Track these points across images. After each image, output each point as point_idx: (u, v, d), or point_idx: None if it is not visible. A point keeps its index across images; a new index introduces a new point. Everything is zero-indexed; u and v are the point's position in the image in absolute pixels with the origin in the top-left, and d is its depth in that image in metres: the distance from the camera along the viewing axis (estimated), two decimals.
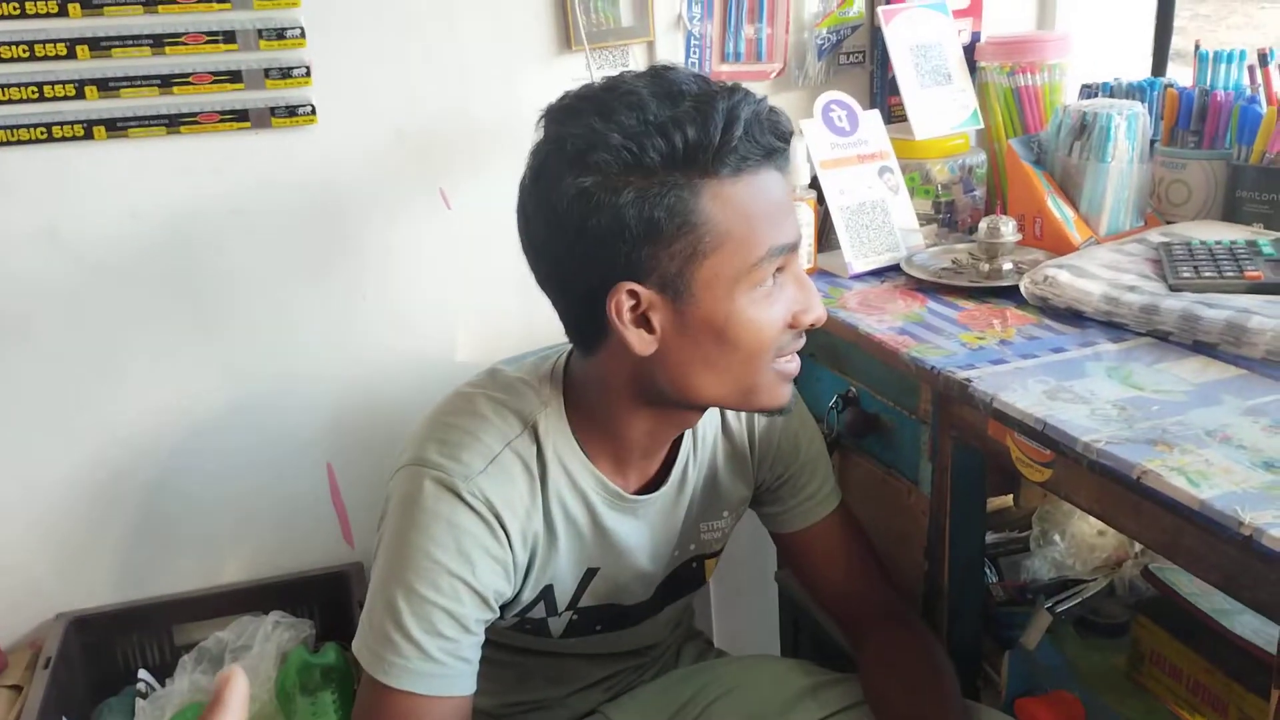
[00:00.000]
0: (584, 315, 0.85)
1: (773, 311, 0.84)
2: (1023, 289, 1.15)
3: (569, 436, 0.92)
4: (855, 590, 1.09)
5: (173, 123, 1.25)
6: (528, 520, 0.90)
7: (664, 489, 0.98)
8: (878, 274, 1.33)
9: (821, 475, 1.09)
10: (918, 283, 1.27)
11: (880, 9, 1.44)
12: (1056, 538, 1.34)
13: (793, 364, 0.89)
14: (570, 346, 0.92)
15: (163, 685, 1.31)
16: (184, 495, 1.40)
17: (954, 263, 1.31)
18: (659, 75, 0.81)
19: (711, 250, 0.80)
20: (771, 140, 0.81)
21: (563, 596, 0.97)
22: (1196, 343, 1.01)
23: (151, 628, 1.39)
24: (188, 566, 1.43)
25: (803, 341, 0.89)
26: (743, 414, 1.04)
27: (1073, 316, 1.11)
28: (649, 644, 1.12)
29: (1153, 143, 1.33)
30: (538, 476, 0.90)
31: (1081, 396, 0.92)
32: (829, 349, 1.28)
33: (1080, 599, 1.26)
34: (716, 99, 0.78)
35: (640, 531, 0.98)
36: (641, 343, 0.83)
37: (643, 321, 0.82)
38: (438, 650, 0.85)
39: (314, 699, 1.25)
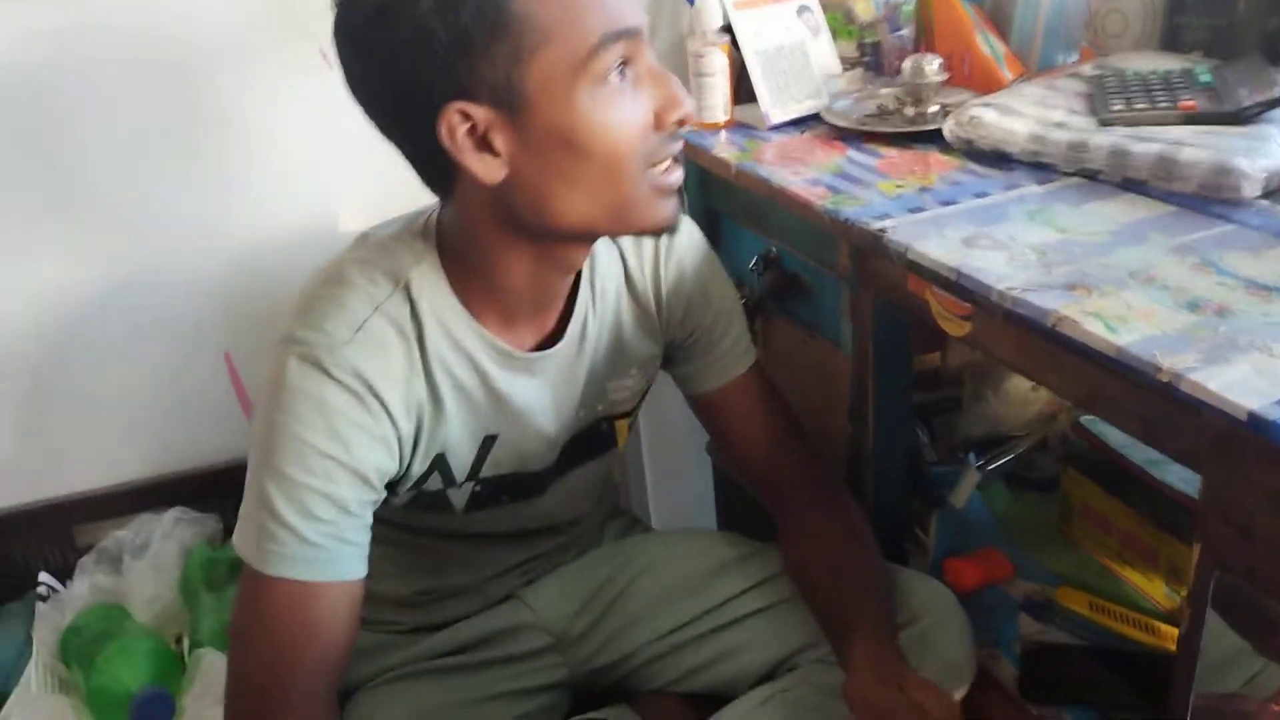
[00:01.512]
0: (425, 153, 0.76)
1: (625, 111, 0.74)
2: (946, 131, 1.07)
3: (447, 293, 0.84)
4: (773, 455, 1.04)
5: None
6: (408, 388, 0.83)
7: (561, 344, 0.90)
8: (797, 124, 1.24)
9: (736, 331, 1.02)
10: (839, 131, 1.19)
11: None
12: (989, 394, 1.30)
13: (671, 175, 0.79)
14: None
15: (65, 587, 1.25)
16: (71, 392, 1.32)
17: (879, 108, 1.22)
18: None
19: (536, 48, 0.71)
20: None
21: (460, 467, 0.91)
22: (1126, 180, 0.94)
23: (49, 529, 1.32)
24: (85, 465, 1.35)
25: (678, 145, 0.79)
26: (646, 266, 0.96)
27: (999, 159, 1.04)
28: (566, 520, 1.07)
29: None
30: (414, 339, 0.82)
31: (1001, 243, 0.85)
32: (748, 207, 1.20)
33: (1011, 455, 1.23)
34: None
35: (540, 391, 0.91)
36: (487, 169, 0.74)
37: (484, 145, 0.74)
38: (315, 534, 0.79)
39: (220, 594, 1.20)
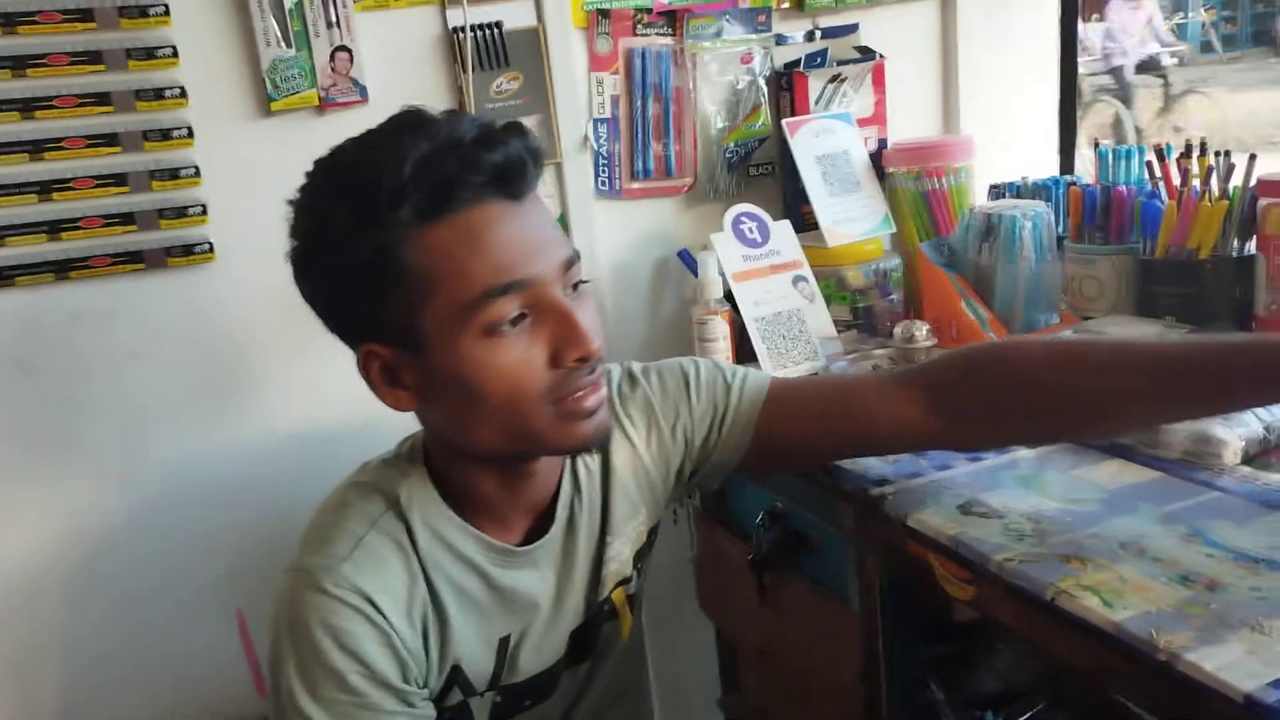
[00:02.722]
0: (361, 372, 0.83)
1: (514, 355, 0.77)
2: None
3: (439, 503, 0.86)
4: (850, 406, 0.94)
5: (61, 268, 1.21)
6: (410, 600, 0.84)
7: (553, 529, 0.91)
8: None
9: (724, 373, 0.98)
10: None
11: (785, 121, 1.46)
12: (1000, 646, 1.29)
13: (585, 401, 0.80)
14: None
15: None
16: (77, 642, 1.32)
17: (873, 369, 1.29)
18: (369, 131, 0.79)
19: (425, 297, 0.76)
20: (469, 173, 0.75)
21: (479, 676, 0.90)
22: (1112, 444, 0.98)
23: None
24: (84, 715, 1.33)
25: (588, 379, 0.80)
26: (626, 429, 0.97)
27: None
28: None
29: (1061, 239, 1.33)
30: (411, 551, 0.84)
31: (996, 510, 0.89)
32: None
33: (1029, 714, 1.21)
34: (396, 145, 0.74)
35: (543, 580, 0.92)
36: (396, 401, 0.81)
37: (395, 380, 0.81)
38: None
39: None
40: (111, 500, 1.30)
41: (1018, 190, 1.46)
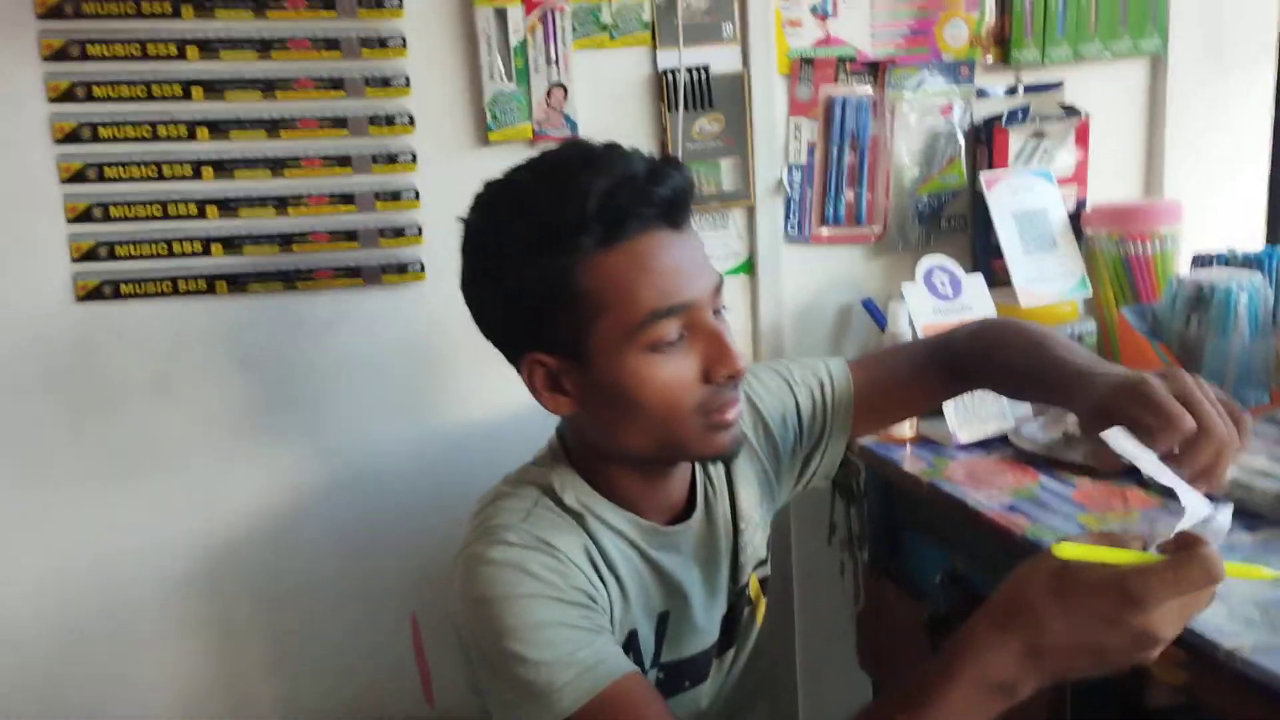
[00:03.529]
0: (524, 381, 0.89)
1: (673, 370, 0.84)
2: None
3: (587, 489, 0.92)
4: (919, 365, 1.09)
5: (289, 279, 1.29)
6: (589, 555, 0.88)
7: (694, 517, 0.97)
8: (983, 445, 1.28)
9: (812, 367, 1.09)
10: (1027, 455, 1.22)
11: (982, 174, 1.44)
12: None
13: (725, 415, 0.87)
14: (560, 422, 0.97)
15: None
16: (257, 624, 1.40)
17: (1064, 435, 1.25)
18: (556, 155, 0.87)
19: (594, 317, 0.82)
20: (641, 206, 0.81)
21: (646, 648, 0.94)
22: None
23: None
24: (260, 695, 1.40)
25: (733, 395, 0.87)
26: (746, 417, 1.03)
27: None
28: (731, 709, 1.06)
29: (1274, 314, 1.28)
30: (576, 524, 0.89)
31: (1219, 594, 0.85)
32: (934, 522, 1.23)
33: None
34: (578, 176, 0.81)
35: (688, 567, 0.96)
36: (557, 405, 0.88)
37: (556, 386, 0.87)
38: (583, 654, 0.80)
39: None
40: (303, 493, 1.38)
41: (1225, 261, 1.41)
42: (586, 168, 0.81)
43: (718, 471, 1.02)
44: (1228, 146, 1.60)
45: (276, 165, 1.27)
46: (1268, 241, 1.59)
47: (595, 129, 1.36)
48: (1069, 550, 0.68)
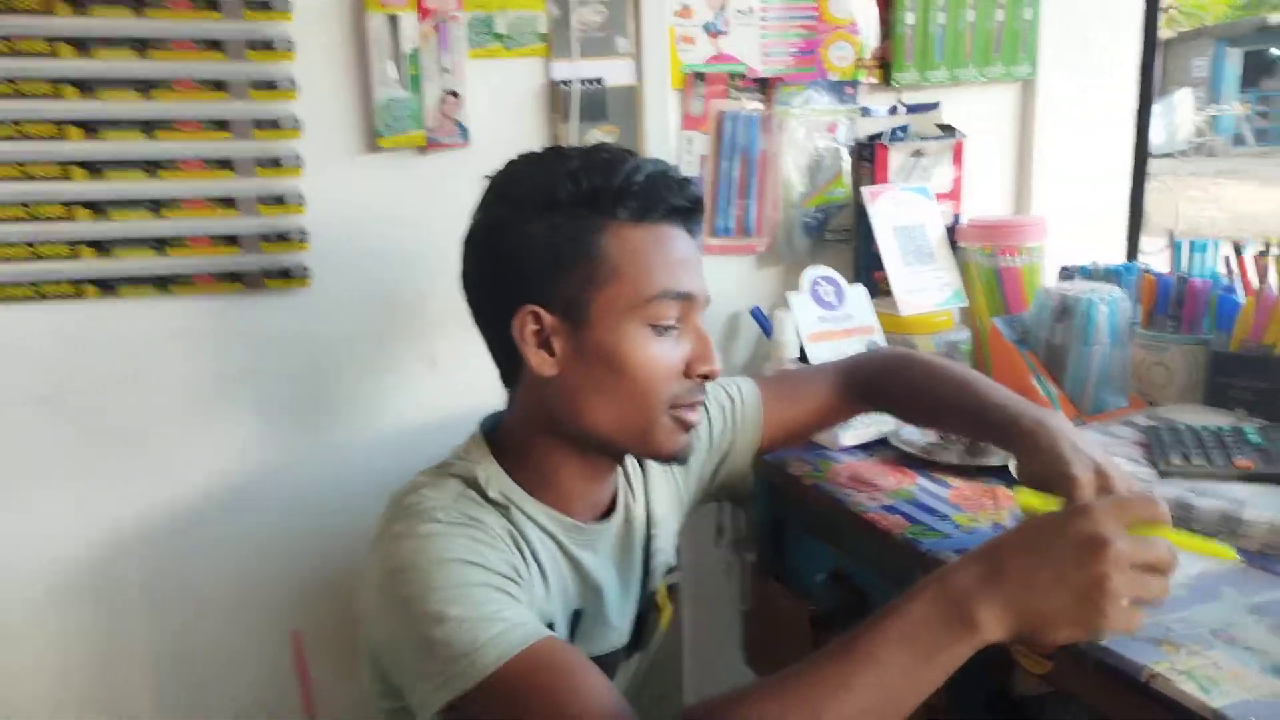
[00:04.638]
0: (500, 343, 0.92)
1: (664, 351, 0.89)
2: (1012, 469, 1.15)
3: (511, 483, 0.93)
4: (828, 387, 1.17)
5: (163, 283, 1.25)
6: (513, 542, 0.89)
7: (615, 517, 1.00)
8: (866, 448, 1.32)
9: (722, 384, 1.14)
10: (906, 457, 1.27)
11: (864, 189, 1.49)
12: None
13: (691, 414, 0.93)
14: (482, 419, 0.99)
15: None
16: (130, 643, 1.35)
17: (941, 438, 1.31)
18: (600, 143, 0.96)
19: (607, 281, 0.87)
20: (675, 198, 0.90)
21: None
22: (1190, 531, 1.00)
23: None
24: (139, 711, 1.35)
25: (701, 396, 0.94)
26: None
27: None
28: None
29: (1132, 325, 1.36)
30: (499, 514, 0.90)
31: None
32: (818, 520, 1.26)
33: None
34: (629, 158, 0.90)
35: (606, 567, 0.99)
36: (541, 363, 0.89)
37: (544, 344, 0.89)
38: (509, 613, 0.79)
39: None
40: (181, 508, 1.33)
41: (1088, 273, 1.49)
42: (633, 156, 0.91)
43: (636, 476, 1.05)
44: (1091, 166, 1.69)
45: (152, 166, 1.23)
46: (1127, 256, 1.69)
47: (489, 137, 1.36)
48: (1026, 498, 0.81)
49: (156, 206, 1.24)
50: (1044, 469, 0.90)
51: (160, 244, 1.25)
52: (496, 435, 0.96)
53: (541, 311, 0.88)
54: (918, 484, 1.19)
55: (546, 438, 0.93)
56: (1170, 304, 1.34)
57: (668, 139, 1.45)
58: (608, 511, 1.01)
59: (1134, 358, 1.35)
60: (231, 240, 1.27)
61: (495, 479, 0.92)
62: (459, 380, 1.40)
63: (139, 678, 1.36)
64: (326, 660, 1.41)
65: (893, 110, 1.57)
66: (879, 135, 1.54)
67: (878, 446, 1.32)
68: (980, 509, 1.10)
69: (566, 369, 0.89)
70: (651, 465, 1.08)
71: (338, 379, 1.36)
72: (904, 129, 1.55)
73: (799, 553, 1.34)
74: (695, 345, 0.92)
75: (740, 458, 1.16)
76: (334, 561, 1.38)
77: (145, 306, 1.27)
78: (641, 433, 0.91)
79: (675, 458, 0.94)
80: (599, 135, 1.41)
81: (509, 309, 0.89)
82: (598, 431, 0.91)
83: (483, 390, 1.38)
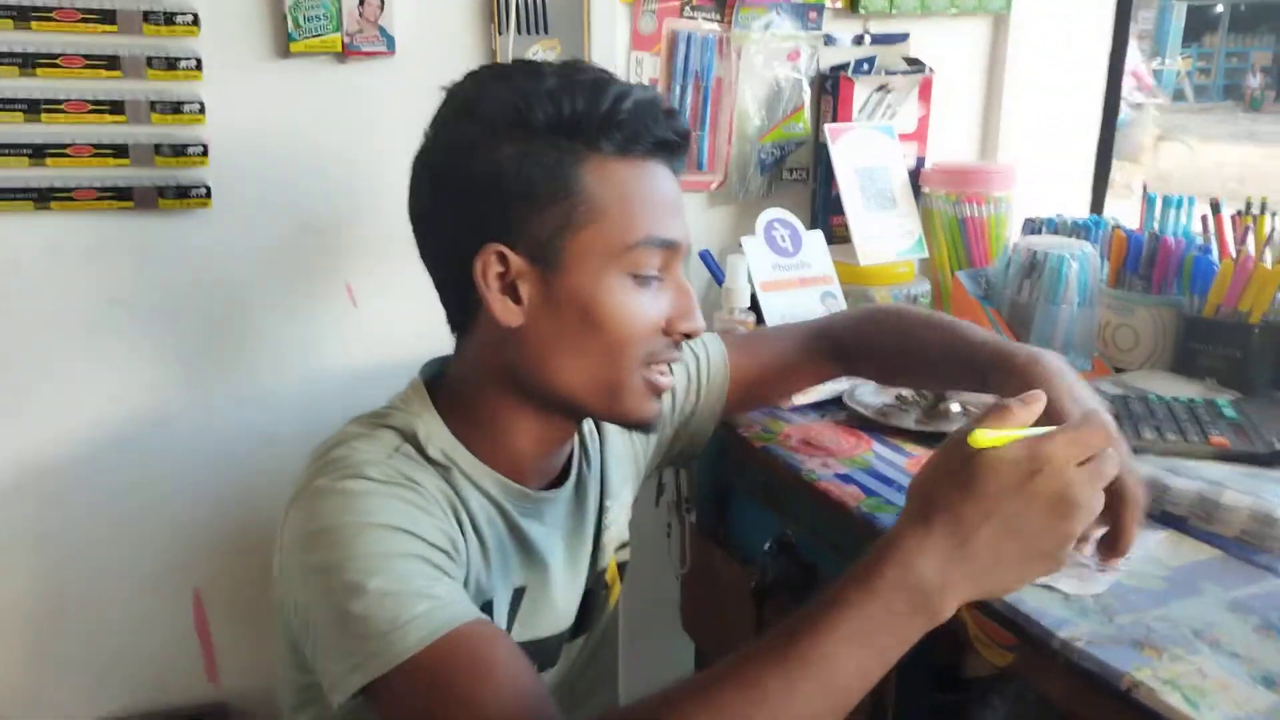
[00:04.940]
0: (455, 284, 0.80)
1: (645, 304, 0.80)
2: (973, 441, 1.07)
3: (454, 442, 0.83)
4: (798, 346, 1.08)
5: (43, 197, 1.10)
6: (454, 509, 0.80)
7: (566, 485, 0.91)
8: (818, 407, 1.24)
9: (693, 346, 1.04)
10: (861, 420, 1.19)
11: (826, 126, 1.39)
12: (996, 701, 1.24)
13: (665, 377, 0.84)
14: (422, 365, 0.88)
15: None
16: (28, 582, 1.22)
17: (897, 398, 1.23)
18: (569, 60, 0.82)
19: (586, 222, 0.77)
20: (662, 130, 0.79)
21: (499, 624, 0.84)
22: (1164, 513, 0.93)
23: None
24: (23, 678, 1.23)
25: (677, 355, 0.84)
26: None
27: None
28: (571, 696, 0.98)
29: (1099, 284, 1.29)
30: (440, 476, 0.80)
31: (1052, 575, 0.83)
32: (766, 486, 1.18)
33: None
34: (612, 82, 0.79)
35: (553, 538, 0.89)
36: (505, 311, 0.78)
37: (509, 290, 0.79)
38: (435, 589, 0.70)
39: None
40: (65, 452, 1.19)
41: (1054, 227, 1.42)
42: (617, 80, 0.79)
43: (593, 440, 0.96)
44: (1061, 112, 1.61)
45: (26, 62, 1.06)
46: (1092, 210, 1.62)
47: (416, 48, 1.22)
48: (984, 440, 0.63)
49: (33, 109, 1.08)
50: (1036, 423, 0.81)
51: (36, 152, 1.09)
52: (440, 386, 0.86)
53: (508, 252, 0.77)
54: (874, 450, 1.11)
55: (500, 393, 0.83)
56: (1141, 263, 1.27)
57: (614, 58, 1.32)
58: (558, 479, 0.91)
59: (1100, 318, 1.28)
60: (120, 151, 1.12)
61: (436, 435, 0.82)
62: (381, 319, 1.28)
63: (20, 639, 1.23)
64: (231, 622, 1.30)
65: (858, 40, 1.46)
66: (843, 66, 1.43)
67: (830, 407, 1.24)
68: None
69: (532, 318, 0.79)
70: (609, 429, 0.98)
71: (243, 314, 1.22)
72: (870, 61, 1.44)
73: (743, 517, 1.26)
74: (677, 299, 0.82)
75: (703, 422, 1.07)
76: (238, 515, 1.26)
77: (19, 224, 1.11)
78: (611, 394, 0.81)
79: (643, 425, 0.85)
80: (539, 50, 1.27)
81: (469, 246, 0.78)
82: (563, 390, 0.81)
83: (407, 331, 1.28)
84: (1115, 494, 0.72)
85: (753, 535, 1.21)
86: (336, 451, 0.78)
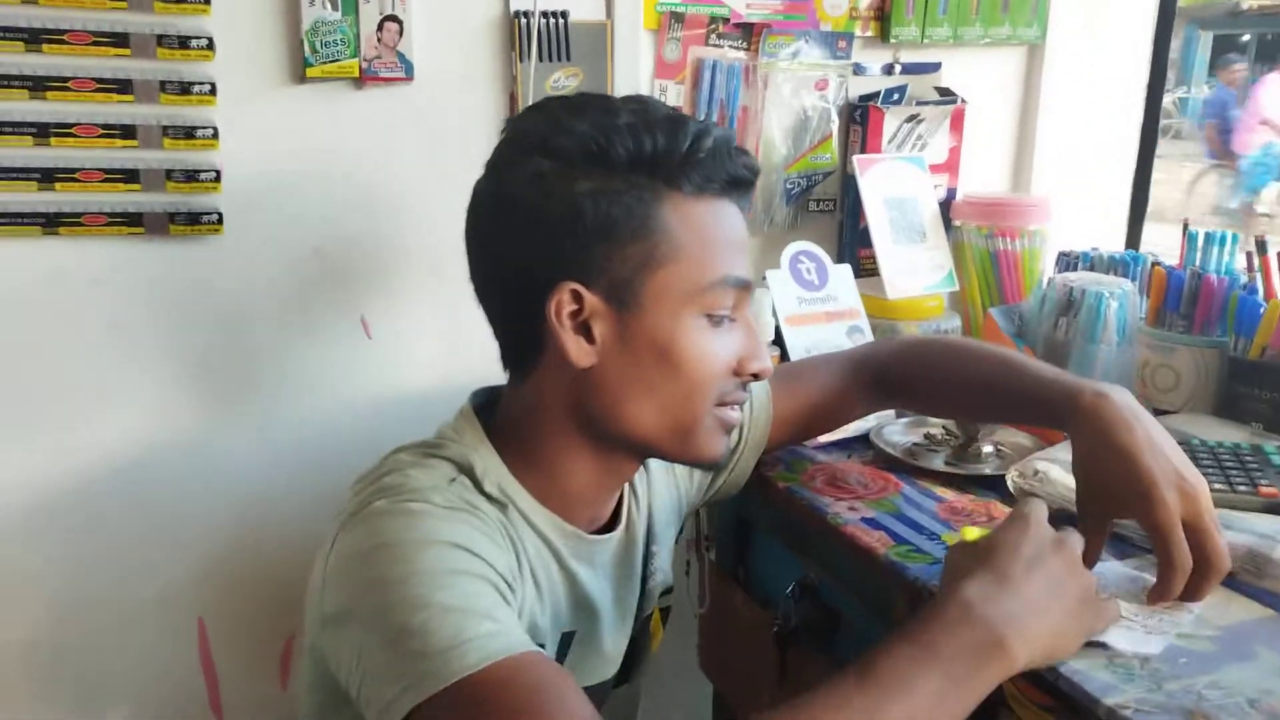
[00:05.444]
0: (522, 321, 0.78)
1: (719, 345, 0.80)
2: (1010, 484, 1.03)
3: (510, 478, 0.81)
4: (839, 378, 1.05)
5: (50, 223, 1.08)
6: (511, 546, 0.78)
7: (618, 529, 0.89)
8: (843, 445, 1.19)
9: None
10: (888, 459, 1.14)
11: (855, 158, 1.35)
12: None
13: (735, 414, 0.84)
14: (472, 393, 0.87)
15: None
16: (28, 610, 1.18)
17: (927, 438, 1.18)
18: (634, 96, 0.81)
19: (666, 261, 0.76)
20: (737, 169, 0.79)
21: None
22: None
23: None
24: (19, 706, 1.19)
25: (745, 395, 0.84)
26: None
27: (1068, 518, 0.98)
28: None
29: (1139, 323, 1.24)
30: (495, 511, 0.78)
31: (1098, 640, 0.78)
32: (787, 526, 1.13)
33: None
34: (688, 120, 0.78)
35: (602, 584, 0.88)
36: (579, 352, 0.77)
37: (583, 330, 0.77)
38: (497, 613, 0.68)
39: None
40: (70, 481, 1.16)
41: (1090, 262, 1.37)
42: (692, 118, 0.79)
43: (641, 482, 0.94)
44: (1096, 143, 1.56)
45: (37, 85, 1.04)
46: (1128, 244, 1.57)
47: (435, 73, 1.20)
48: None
49: (43, 132, 1.06)
50: (1110, 476, 0.80)
51: (45, 176, 1.07)
52: (492, 419, 0.83)
53: (583, 291, 0.76)
54: (903, 493, 1.06)
55: (563, 433, 0.81)
56: (1183, 301, 1.22)
57: (638, 86, 1.29)
58: (608, 524, 0.89)
59: (1139, 358, 1.23)
60: (131, 176, 1.10)
61: (493, 470, 0.80)
62: (395, 349, 1.25)
63: (26, 670, 1.20)
64: (234, 653, 1.26)
65: (888, 69, 1.43)
66: (873, 96, 1.39)
67: (857, 445, 1.20)
68: (974, 526, 0.98)
69: (607, 358, 0.77)
70: (655, 472, 0.96)
71: (253, 343, 1.19)
72: (900, 90, 1.40)
73: (765, 557, 1.21)
74: (746, 340, 0.82)
75: (746, 460, 1.04)
76: (244, 545, 1.23)
77: (26, 250, 1.08)
78: (685, 434, 0.80)
79: (713, 464, 0.85)
80: (561, 78, 1.24)
81: (542, 284, 0.76)
82: (635, 432, 0.80)
83: (421, 361, 1.25)
84: (1150, 515, 0.77)
85: (774, 576, 1.16)
86: (391, 479, 0.76)
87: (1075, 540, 0.75)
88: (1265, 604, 0.83)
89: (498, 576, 0.72)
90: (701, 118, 1.33)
